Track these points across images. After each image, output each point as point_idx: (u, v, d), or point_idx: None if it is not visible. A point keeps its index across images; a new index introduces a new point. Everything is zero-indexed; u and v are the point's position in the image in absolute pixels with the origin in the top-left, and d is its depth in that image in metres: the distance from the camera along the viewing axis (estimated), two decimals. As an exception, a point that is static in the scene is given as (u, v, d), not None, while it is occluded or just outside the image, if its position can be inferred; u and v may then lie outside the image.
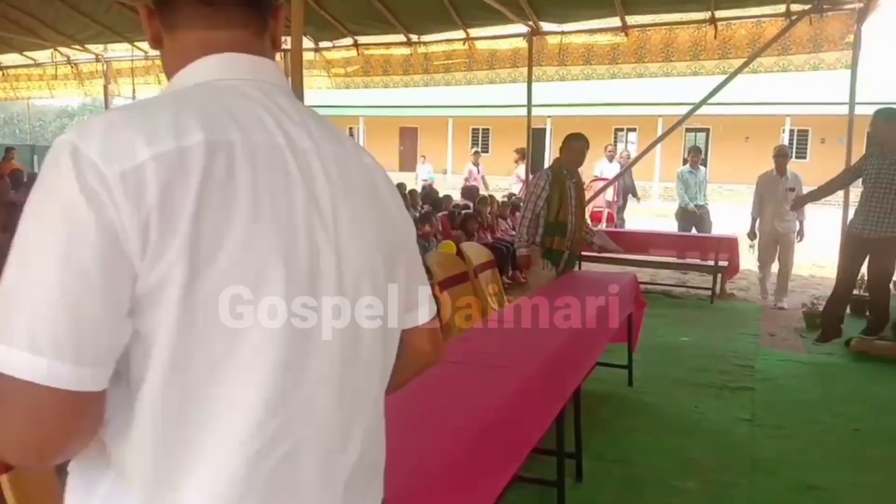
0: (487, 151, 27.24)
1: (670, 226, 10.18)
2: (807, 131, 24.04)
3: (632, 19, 8.13)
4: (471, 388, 2.28)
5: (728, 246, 7.75)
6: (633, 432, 3.93)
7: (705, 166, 10.09)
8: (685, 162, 9.81)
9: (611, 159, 11.81)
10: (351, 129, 29.78)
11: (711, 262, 7.74)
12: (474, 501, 1.92)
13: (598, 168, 11.44)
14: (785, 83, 21.05)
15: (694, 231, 8.97)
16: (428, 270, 4.44)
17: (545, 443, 3.12)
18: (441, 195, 9.43)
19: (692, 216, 9.04)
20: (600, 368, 4.71)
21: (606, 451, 3.66)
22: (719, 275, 7.73)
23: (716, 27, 7.92)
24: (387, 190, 1.01)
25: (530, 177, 7.55)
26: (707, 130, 25.21)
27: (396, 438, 1.89)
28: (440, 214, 7.61)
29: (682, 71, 8.46)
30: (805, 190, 7.21)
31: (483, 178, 12.33)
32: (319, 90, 10.65)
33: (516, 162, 12.28)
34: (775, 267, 7.56)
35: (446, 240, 6.45)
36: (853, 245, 5.64)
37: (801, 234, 7.49)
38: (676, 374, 4.94)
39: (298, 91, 4.40)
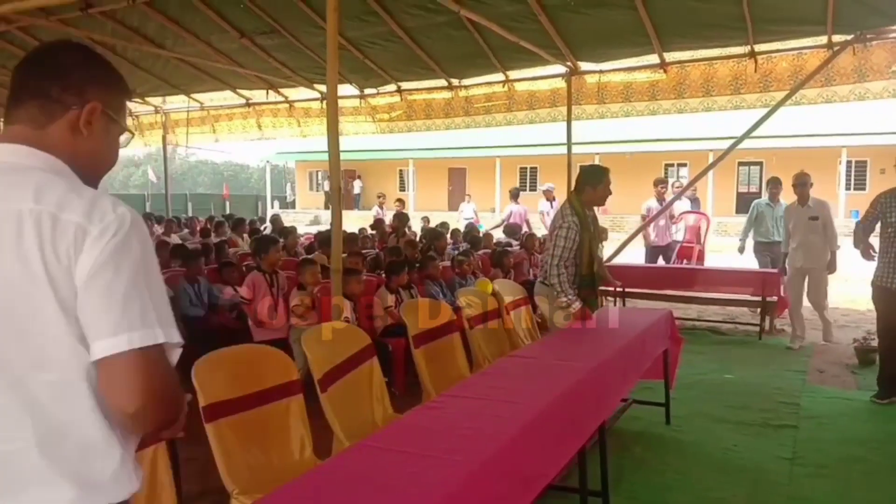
0: (535, 189, 27.29)
1: (729, 262, 9.99)
2: (865, 162, 23.32)
3: (670, 56, 8.17)
4: (477, 421, 2.32)
5: (775, 281, 7.56)
6: (667, 471, 3.86)
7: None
8: (767, 193, 8.74)
9: (661, 197, 10.03)
10: (401, 171, 30.37)
11: (758, 298, 7.56)
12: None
13: (645, 207, 9.97)
14: (839, 113, 20.62)
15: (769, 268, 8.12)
16: (457, 308, 4.52)
17: (571, 480, 3.14)
18: (483, 234, 9.51)
19: (772, 254, 8.19)
20: (636, 406, 4.70)
21: (638, 490, 3.61)
22: (767, 311, 7.54)
23: (756, 61, 7.89)
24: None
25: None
26: (761, 164, 24.72)
27: (394, 463, 1.97)
28: (480, 252, 7.68)
29: (723, 105, 8.41)
30: (833, 218, 7.07)
31: (525, 214, 12.20)
32: (365, 135, 10.99)
33: (549, 199, 12.02)
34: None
35: (485, 278, 6.52)
36: (883, 298, 5.03)
37: (831, 266, 6.87)
38: (716, 412, 4.84)
39: (334, 135, 4.56)
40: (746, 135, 8.20)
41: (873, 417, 4.77)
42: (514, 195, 12.62)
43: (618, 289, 7.30)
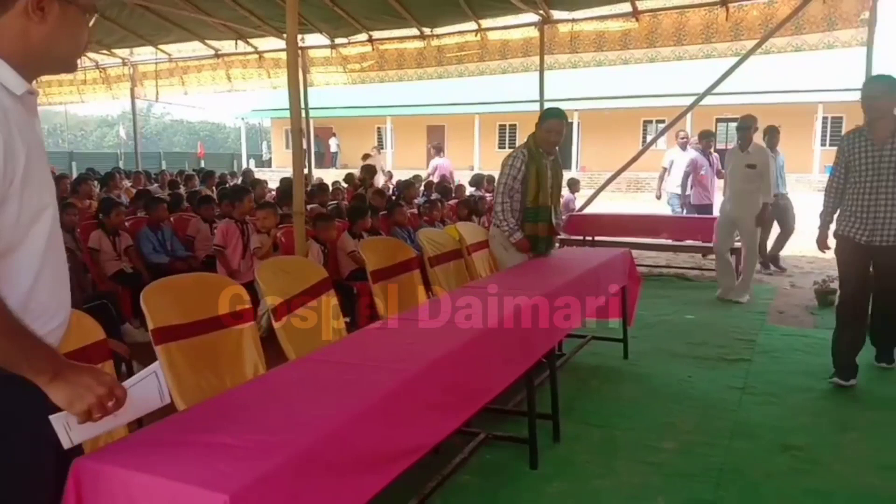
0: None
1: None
2: (840, 118, 23.48)
3: (642, 4, 8.15)
4: (420, 338, 2.39)
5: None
6: (620, 399, 3.99)
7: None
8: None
9: (684, 146, 9.45)
10: (379, 128, 30.10)
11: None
12: (417, 436, 2.02)
13: (667, 158, 9.44)
14: (815, 70, 20.69)
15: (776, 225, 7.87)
16: (419, 247, 4.57)
17: (525, 407, 3.24)
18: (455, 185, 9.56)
19: (774, 207, 7.42)
20: (596, 342, 4.82)
21: (590, 416, 3.73)
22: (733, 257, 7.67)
23: (727, 9, 7.89)
24: None
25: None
26: (736, 120, 24.78)
27: (335, 372, 2.03)
28: (451, 203, 7.71)
29: (694, 54, 8.42)
30: (772, 169, 6.50)
31: (449, 166, 12.81)
32: (336, 86, 10.87)
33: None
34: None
35: (453, 224, 6.57)
36: (852, 253, 4.18)
37: (759, 218, 6.44)
38: (674, 349, 4.97)
39: (296, 86, 4.53)
40: (718, 82, 8.21)
41: (826, 352, 4.91)
42: (438, 150, 13.14)
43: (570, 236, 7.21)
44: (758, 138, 6.98)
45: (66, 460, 1.48)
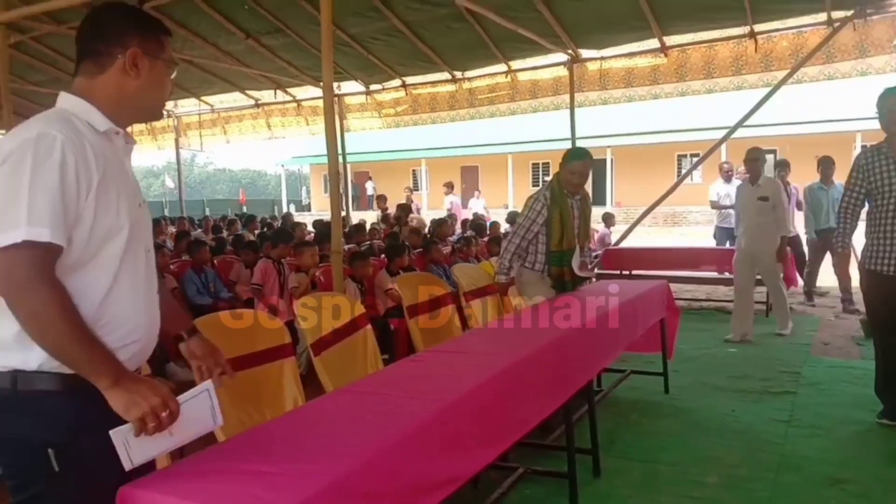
0: (549, 185, 27.35)
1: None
2: (883, 146, 23.02)
3: (670, 40, 8.20)
4: (456, 369, 2.42)
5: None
6: (662, 434, 3.93)
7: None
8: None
9: (728, 178, 9.43)
10: (414, 170, 30.52)
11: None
12: (453, 467, 2.04)
13: (713, 191, 9.40)
14: (851, 98, 20.42)
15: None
16: (455, 283, 4.62)
17: (561, 441, 3.22)
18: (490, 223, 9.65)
19: (826, 241, 7.32)
20: (636, 376, 4.78)
21: (631, 451, 3.68)
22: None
23: (756, 41, 7.90)
24: None
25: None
26: (774, 151, 24.52)
27: (373, 402, 2.07)
28: (485, 240, 7.78)
29: (724, 86, 8.44)
30: (784, 199, 6.32)
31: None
32: (372, 130, 11.13)
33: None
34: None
35: (488, 261, 6.63)
36: (882, 288, 3.85)
37: (779, 253, 6.17)
38: (716, 382, 4.89)
39: (331, 123, 4.67)
40: (750, 114, 8.18)
41: (873, 383, 4.78)
42: (451, 187, 13.73)
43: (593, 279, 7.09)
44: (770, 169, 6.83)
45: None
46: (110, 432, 1.43)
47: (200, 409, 1.58)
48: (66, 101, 1.59)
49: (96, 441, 1.44)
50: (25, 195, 1.38)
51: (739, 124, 8.41)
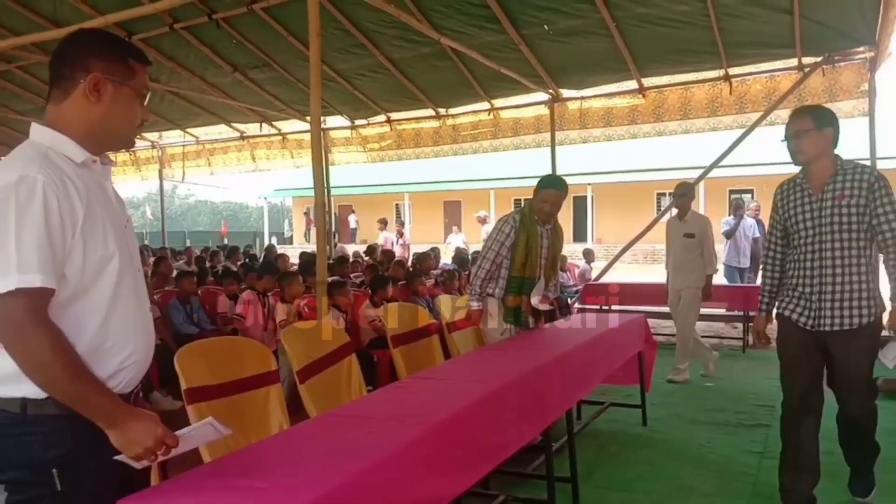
0: (531, 221, 27.61)
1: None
2: (855, 187, 23.58)
3: (648, 81, 8.47)
4: (438, 395, 2.49)
5: (757, 295, 7.71)
6: (640, 464, 4.00)
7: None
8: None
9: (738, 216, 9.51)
10: (397, 204, 30.69)
11: (741, 312, 7.72)
12: (434, 487, 2.10)
13: (724, 227, 9.45)
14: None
15: None
16: (438, 314, 4.69)
17: (541, 470, 3.28)
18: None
19: None
20: (615, 408, 4.85)
21: (610, 481, 3.74)
22: (750, 324, 7.69)
23: (730, 84, 8.19)
24: None
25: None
26: (752, 191, 25.04)
27: (356, 425, 2.13)
28: (467, 273, 7.87)
29: (700, 127, 8.70)
30: (711, 235, 6.01)
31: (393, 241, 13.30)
32: (357, 164, 11.27)
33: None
34: None
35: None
36: (797, 341, 3.17)
37: (706, 292, 6.02)
38: (693, 415, 4.98)
39: (319, 164, 4.77)
40: (725, 154, 8.46)
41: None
42: (384, 223, 14.07)
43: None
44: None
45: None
46: (115, 458, 1.51)
47: (203, 434, 1.65)
48: (38, 133, 1.59)
49: (97, 460, 1.52)
50: (13, 242, 1.41)
51: (715, 164, 8.67)
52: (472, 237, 18.62)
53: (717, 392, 5.67)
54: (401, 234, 13.69)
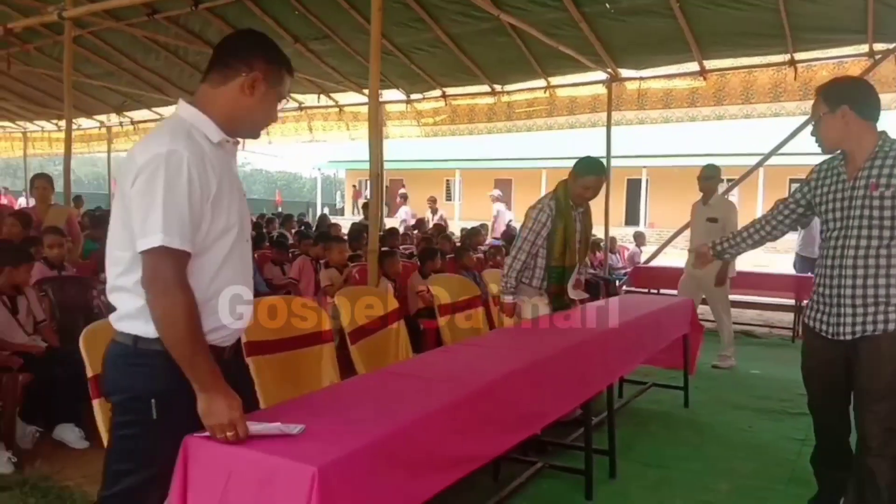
0: (582, 203, 27.40)
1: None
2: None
3: (709, 63, 8.30)
4: (483, 361, 2.59)
5: (810, 284, 7.57)
6: (678, 444, 4.04)
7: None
8: None
9: None
10: (448, 180, 30.78)
11: (792, 301, 7.60)
12: (476, 446, 2.21)
13: None
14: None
15: None
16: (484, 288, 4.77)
17: (580, 442, 3.37)
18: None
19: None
20: (657, 389, 4.90)
21: (648, 457, 3.81)
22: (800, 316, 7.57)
23: (796, 69, 7.95)
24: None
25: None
26: (813, 181, 24.27)
27: (405, 383, 2.25)
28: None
29: (762, 112, 8.49)
30: (739, 222, 5.27)
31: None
32: (411, 139, 11.37)
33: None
34: None
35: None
36: (820, 353, 2.78)
37: (718, 277, 5.82)
38: (736, 400, 4.98)
39: (376, 138, 4.88)
40: (786, 141, 8.25)
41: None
42: (405, 198, 14.45)
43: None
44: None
45: None
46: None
47: (271, 430, 1.76)
48: (185, 110, 1.82)
49: (186, 400, 1.72)
50: (160, 207, 1.63)
51: (774, 151, 8.47)
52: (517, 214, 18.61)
53: (763, 380, 5.63)
54: (434, 211, 13.73)
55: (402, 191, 26.31)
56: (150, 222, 1.63)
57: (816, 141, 2.72)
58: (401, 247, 8.16)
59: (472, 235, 8.54)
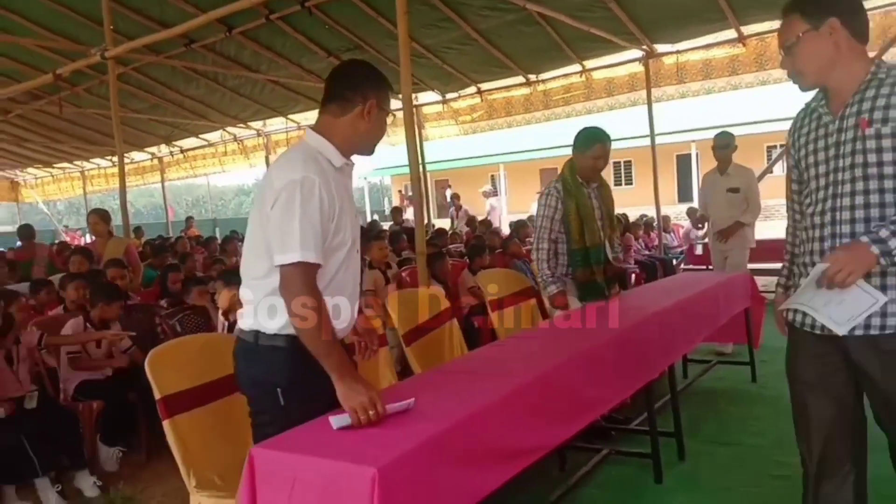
0: (631, 184, 27.02)
1: None
2: None
3: (747, 29, 8.06)
4: (535, 352, 2.60)
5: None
6: (746, 419, 3.96)
7: None
8: None
9: None
10: (493, 175, 30.72)
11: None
12: (536, 437, 2.21)
13: None
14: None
15: None
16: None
17: (645, 425, 3.33)
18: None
19: None
20: (722, 367, 4.79)
21: (717, 435, 3.74)
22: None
23: (839, 23, 7.65)
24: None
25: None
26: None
27: (460, 378, 2.27)
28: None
29: (808, 72, 8.20)
30: (757, 188, 5.61)
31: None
32: (450, 138, 11.40)
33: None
34: None
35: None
36: (808, 355, 2.18)
37: (730, 230, 5.63)
38: (806, 371, 4.82)
39: (413, 141, 4.94)
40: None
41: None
42: (492, 193, 14.22)
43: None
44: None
45: None
46: (334, 426, 1.86)
47: (397, 408, 1.94)
48: (312, 138, 2.05)
49: (309, 387, 1.95)
50: (298, 227, 1.86)
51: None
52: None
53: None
54: (458, 207, 13.60)
55: (449, 191, 26.12)
56: (289, 240, 1.86)
57: (791, 74, 2.03)
58: (450, 245, 8.21)
59: (520, 228, 8.53)
